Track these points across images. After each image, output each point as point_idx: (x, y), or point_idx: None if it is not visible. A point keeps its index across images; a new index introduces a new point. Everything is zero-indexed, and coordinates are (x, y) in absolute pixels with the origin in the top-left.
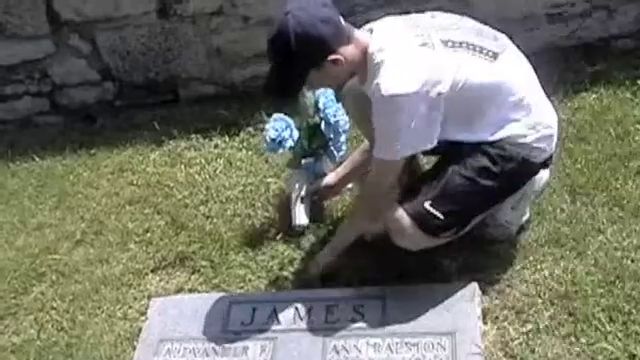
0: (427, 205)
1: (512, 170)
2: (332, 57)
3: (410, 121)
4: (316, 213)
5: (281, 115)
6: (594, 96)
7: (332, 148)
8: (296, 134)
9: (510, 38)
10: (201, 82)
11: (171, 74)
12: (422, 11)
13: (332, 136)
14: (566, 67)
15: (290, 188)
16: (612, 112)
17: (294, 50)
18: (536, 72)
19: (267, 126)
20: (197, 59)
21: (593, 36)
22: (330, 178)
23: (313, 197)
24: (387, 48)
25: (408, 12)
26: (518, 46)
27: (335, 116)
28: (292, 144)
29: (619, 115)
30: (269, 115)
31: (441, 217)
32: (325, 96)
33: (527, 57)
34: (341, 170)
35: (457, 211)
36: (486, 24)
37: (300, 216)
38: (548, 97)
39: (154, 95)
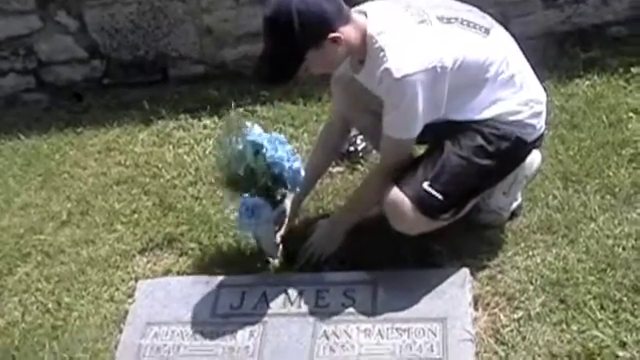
0: (426, 186)
1: (507, 149)
2: (332, 35)
3: (425, 97)
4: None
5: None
6: (587, 83)
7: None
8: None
9: (505, 21)
10: (191, 61)
11: (160, 53)
12: None
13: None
14: (560, 53)
15: (263, 237)
16: (605, 99)
17: (295, 27)
18: (531, 56)
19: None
20: (187, 38)
21: (588, 22)
22: (291, 214)
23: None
24: (387, 30)
25: None
26: (506, 27)
27: (276, 150)
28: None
29: (612, 102)
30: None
31: (440, 197)
32: (263, 143)
33: (519, 42)
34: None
35: (456, 191)
36: (480, 7)
37: (275, 253)
38: (539, 79)
39: (143, 74)
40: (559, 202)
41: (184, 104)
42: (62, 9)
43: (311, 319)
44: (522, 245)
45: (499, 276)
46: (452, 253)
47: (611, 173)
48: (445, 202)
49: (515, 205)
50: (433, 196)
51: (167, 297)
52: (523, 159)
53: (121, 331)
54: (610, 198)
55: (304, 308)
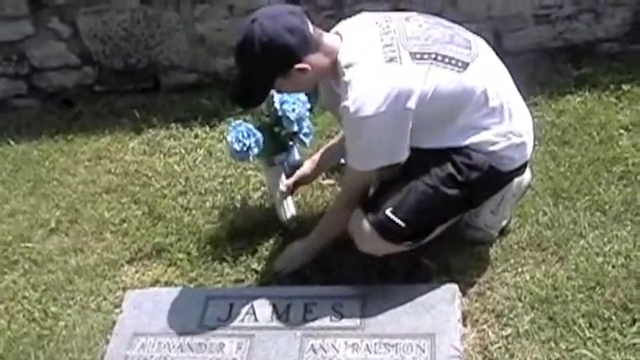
0: (388, 212)
1: (477, 179)
2: (298, 66)
3: (380, 138)
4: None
5: (240, 122)
6: (579, 99)
7: (300, 136)
8: (260, 138)
9: (497, 36)
10: (183, 70)
11: (152, 61)
12: (410, 8)
13: (296, 127)
14: (552, 69)
15: (269, 185)
16: (596, 116)
17: (259, 58)
18: (522, 72)
19: (228, 137)
20: (180, 47)
21: (580, 38)
22: (306, 168)
23: (291, 190)
24: (354, 64)
25: (397, 8)
26: (498, 43)
27: (294, 110)
28: (258, 151)
29: (603, 119)
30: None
31: (402, 225)
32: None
33: (511, 57)
34: (317, 157)
35: (419, 220)
36: (471, 22)
37: (287, 211)
38: (529, 99)
39: (134, 82)
40: (549, 219)
41: (175, 113)
42: (55, 15)
43: (299, 333)
44: (511, 261)
45: (488, 292)
46: (441, 268)
47: (601, 190)
48: (407, 229)
49: (504, 223)
50: (395, 223)
51: (155, 308)
52: (499, 188)
53: (108, 342)
54: (600, 215)
55: (292, 322)
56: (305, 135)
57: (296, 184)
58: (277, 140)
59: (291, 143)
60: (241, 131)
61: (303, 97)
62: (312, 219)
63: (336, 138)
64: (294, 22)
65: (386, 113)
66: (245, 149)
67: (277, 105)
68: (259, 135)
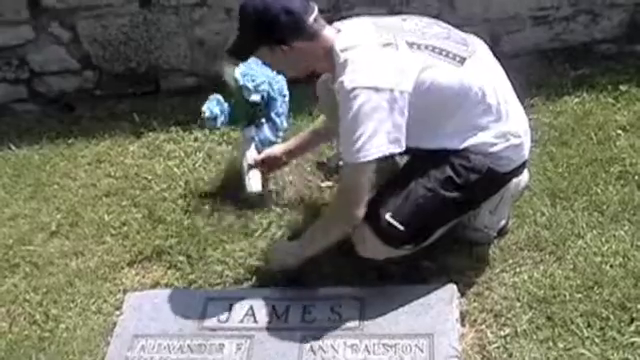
0: (388, 216)
1: (476, 181)
2: (283, 47)
3: (374, 118)
4: (263, 182)
5: (214, 95)
6: (576, 100)
7: (272, 115)
8: (227, 108)
9: (495, 38)
10: (182, 74)
11: (152, 65)
12: (407, 11)
13: (257, 98)
14: (549, 70)
15: (240, 156)
16: (594, 117)
17: (250, 23)
18: (519, 74)
19: (203, 107)
20: (179, 50)
21: (577, 40)
22: (276, 148)
23: (259, 166)
24: (351, 47)
25: (394, 12)
26: (496, 45)
27: (253, 81)
28: (224, 119)
29: (601, 120)
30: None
31: (402, 228)
32: (244, 64)
33: (508, 59)
34: (290, 142)
35: (418, 223)
36: (469, 25)
37: (251, 184)
38: (527, 101)
39: (134, 86)
40: (547, 219)
41: (175, 116)
42: (55, 20)
43: (298, 334)
44: (510, 262)
45: (486, 292)
46: (440, 269)
47: (599, 190)
48: (407, 233)
49: (502, 223)
50: (395, 227)
51: (155, 310)
52: (497, 189)
53: (108, 344)
54: (598, 215)
55: (291, 323)
56: (277, 114)
57: (265, 163)
58: (242, 110)
59: (263, 121)
60: (212, 101)
61: (277, 76)
62: (310, 220)
63: (313, 127)
64: (296, 6)
65: (381, 91)
66: (213, 117)
67: (238, 76)
68: (226, 105)
